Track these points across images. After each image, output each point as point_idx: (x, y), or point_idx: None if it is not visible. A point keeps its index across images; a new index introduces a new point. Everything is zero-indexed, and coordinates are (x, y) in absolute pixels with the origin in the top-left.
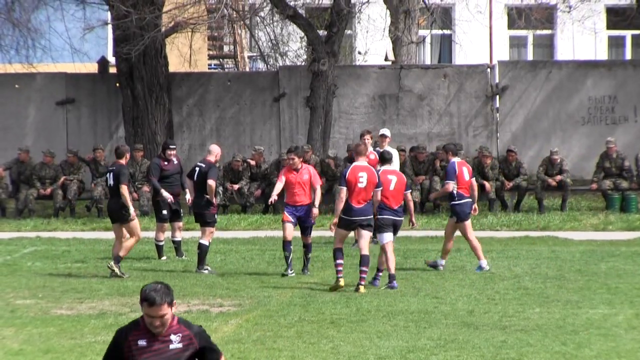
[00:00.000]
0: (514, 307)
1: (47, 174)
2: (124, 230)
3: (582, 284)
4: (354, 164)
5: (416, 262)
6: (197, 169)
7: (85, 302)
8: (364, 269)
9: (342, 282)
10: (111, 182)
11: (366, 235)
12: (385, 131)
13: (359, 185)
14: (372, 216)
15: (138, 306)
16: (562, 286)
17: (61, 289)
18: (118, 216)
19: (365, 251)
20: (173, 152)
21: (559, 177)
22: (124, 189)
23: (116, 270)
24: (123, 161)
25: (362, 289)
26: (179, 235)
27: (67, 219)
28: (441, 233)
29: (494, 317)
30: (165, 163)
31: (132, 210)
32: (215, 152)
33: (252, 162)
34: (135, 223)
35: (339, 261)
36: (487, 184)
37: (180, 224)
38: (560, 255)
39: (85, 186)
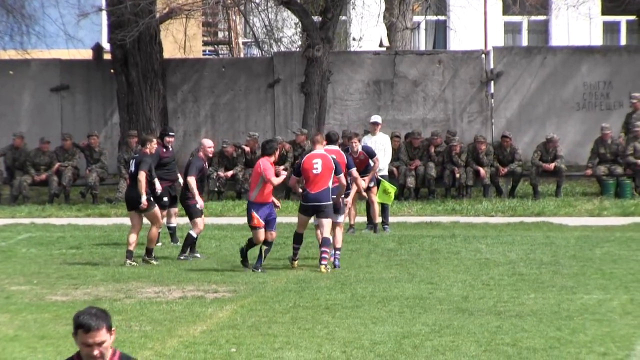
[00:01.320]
0: (509, 292)
1: (42, 160)
2: (144, 219)
3: (577, 270)
4: (311, 152)
5: (411, 248)
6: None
7: (80, 288)
8: (323, 249)
9: (295, 264)
10: (132, 168)
11: (323, 222)
12: (377, 118)
13: (314, 172)
14: (328, 202)
15: (133, 292)
16: (557, 272)
17: (56, 275)
18: (136, 204)
19: (326, 234)
20: (172, 139)
21: (553, 163)
22: (142, 176)
23: (153, 262)
24: (147, 150)
25: (322, 268)
26: (174, 222)
27: (61, 205)
28: (436, 219)
29: (489, 303)
30: (164, 150)
31: (144, 198)
32: (205, 145)
33: (247, 149)
34: (156, 211)
35: (295, 245)
36: (481, 170)
37: (176, 209)
38: (555, 241)
39: (80, 172)
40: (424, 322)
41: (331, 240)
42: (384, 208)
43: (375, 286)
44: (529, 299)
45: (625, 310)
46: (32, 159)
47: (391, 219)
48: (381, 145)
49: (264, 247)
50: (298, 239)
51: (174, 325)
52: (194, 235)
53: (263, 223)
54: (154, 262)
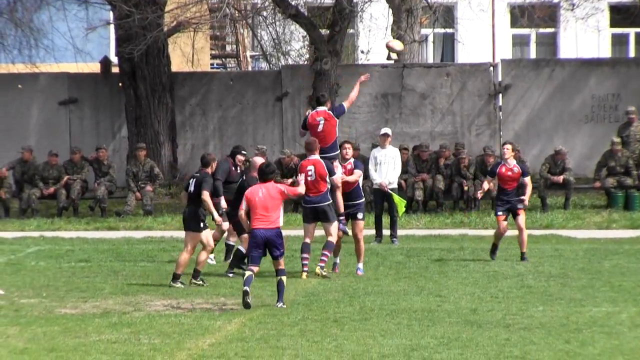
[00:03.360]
0: (518, 305)
1: (50, 174)
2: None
3: (586, 282)
4: (305, 159)
5: (419, 260)
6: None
7: (89, 301)
8: (323, 252)
9: (304, 276)
10: (192, 189)
11: (326, 225)
12: (387, 130)
13: (309, 178)
14: (324, 204)
15: (142, 305)
16: (566, 284)
17: (65, 288)
18: (192, 225)
19: (330, 239)
20: (243, 158)
21: (562, 176)
22: (206, 196)
23: (200, 283)
24: (209, 170)
25: (317, 269)
26: (233, 240)
27: (70, 218)
28: (445, 232)
29: (498, 315)
30: (233, 168)
31: (216, 215)
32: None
33: None
34: (208, 232)
35: (303, 255)
36: (490, 183)
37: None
38: (563, 253)
39: (89, 186)
40: (432, 335)
41: (333, 245)
42: (392, 221)
43: (383, 299)
44: (537, 311)
45: (634, 322)
46: (40, 172)
47: (399, 232)
48: (391, 158)
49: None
50: (304, 248)
51: (182, 338)
52: (243, 250)
53: None
54: (200, 282)
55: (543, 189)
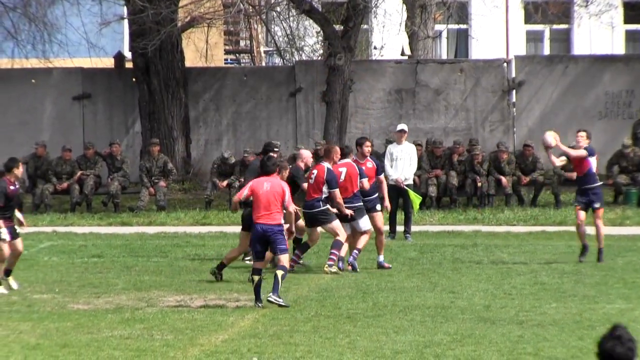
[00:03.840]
0: (531, 302)
1: (64, 169)
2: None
3: (599, 279)
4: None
5: (432, 257)
6: None
7: (102, 297)
8: (333, 250)
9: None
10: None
11: (326, 228)
12: (403, 126)
13: (310, 181)
14: (314, 210)
15: (155, 300)
16: (579, 281)
17: (78, 283)
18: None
19: (338, 238)
20: (276, 155)
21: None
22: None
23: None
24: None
25: (325, 267)
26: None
27: (83, 213)
28: (458, 228)
29: (511, 312)
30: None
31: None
32: (303, 156)
33: None
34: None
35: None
36: (503, 179)
37: None
38: (576, 250)
39: (102, 181)
40: (445, 332)
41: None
42: (407, 217)
43: (397, 295)
44: (550, 308)
45: None
46: (54, 167)
47: (413, 228)
48: (407, 155)
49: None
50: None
51: (195, 334)
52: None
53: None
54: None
55: (556, 185)
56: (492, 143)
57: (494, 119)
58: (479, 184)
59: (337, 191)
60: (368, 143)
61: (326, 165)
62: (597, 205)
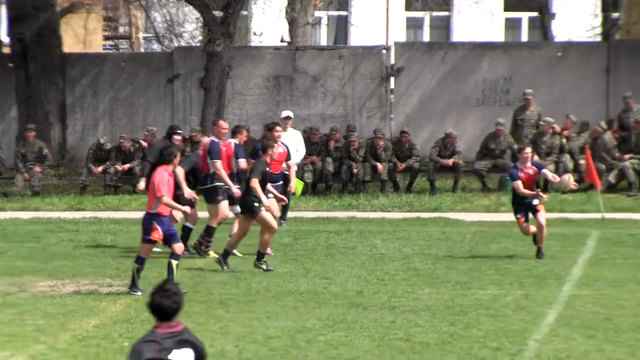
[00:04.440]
0: (403, 287)
1: None
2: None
3: (472, 265)
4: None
5: (306, 243)
6: None
7: None
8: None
9: (208, 255)
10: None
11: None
12: (289, 113)
13: None
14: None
15: (27, 286)
16: (452, 267)
17: None
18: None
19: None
20: (181, 137)
21: (451, 159)
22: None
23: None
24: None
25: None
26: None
27: None
28: (333, 214)
29: (383, 298)
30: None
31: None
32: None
33: (145, 144)
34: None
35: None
36: (379, 165)
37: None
38: (450, 236)
39: None
40: (317, 317)
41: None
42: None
43: (269, 281)
44: (423, 294)
45: (519, 305)
46: None
47: (287, 214)
48: (293, 141)
49: (175, 262)
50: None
51: (67, 319)
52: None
53: (162, 238)
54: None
55: (432, 172)
56: (369, 130)
57: (372, 106)
58: (355, 171)
59: (218, 162)
60: (278, 128)
61: (233, 141)
62: (535, 202)
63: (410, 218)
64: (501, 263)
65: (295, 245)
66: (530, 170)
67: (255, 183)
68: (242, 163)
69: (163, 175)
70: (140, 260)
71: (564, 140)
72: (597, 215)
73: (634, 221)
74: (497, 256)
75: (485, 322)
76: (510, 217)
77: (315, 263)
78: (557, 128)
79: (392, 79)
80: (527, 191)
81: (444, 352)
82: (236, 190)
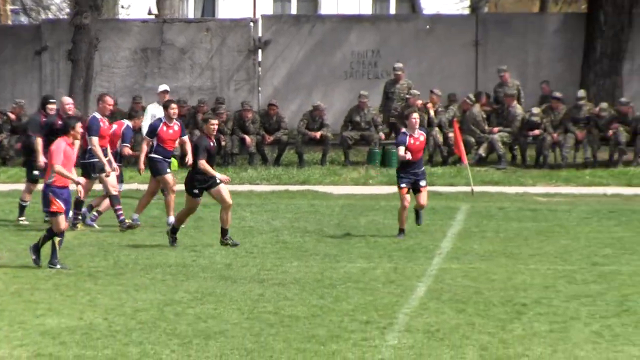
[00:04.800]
0: (272, 260)
1: None
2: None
3: (341, 238)
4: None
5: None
6: None
7: None
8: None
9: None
10: None
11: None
12: (166, 87)
13: None
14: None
15: None
16: (321, 240)
17: None
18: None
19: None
20: (54, 106)
21: (319, 132)
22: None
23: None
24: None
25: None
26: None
27: None
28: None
29: (252, 271)
30: (44, 119)
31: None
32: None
33: (12, 116)
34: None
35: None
36: (247, 138)
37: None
38: (319, 209)
39: None
40: (186, 290)
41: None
42: None
43: (138, 253)
44: (292, 267)
45: (388, 279)
46: None
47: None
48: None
49: (57, 239)
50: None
51: None
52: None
53: (64, 208)
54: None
55: (300, 144)
56: (237, 102)
57: (240, 79)
58: (223, 143)
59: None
60: (173, 105)
61: (127, 123)
62: (423, 183)
63: (279, 191)
64: (370, 236)
65: (164, 217)
66: (421, 136)
67: (204, 164)
68: (126, 150)
69: (60, 145)
70: (51, 234)
71: (432, 114)
72: (467, 189)
73: (503, 194)
74: (366, 229)
75: (354, 296)
76: (379, 190)
77: (184, 236)
78: (420, 103)
79: (259, 51)
80: (403, 153)
81: (313, 325)
82: (108, 168)
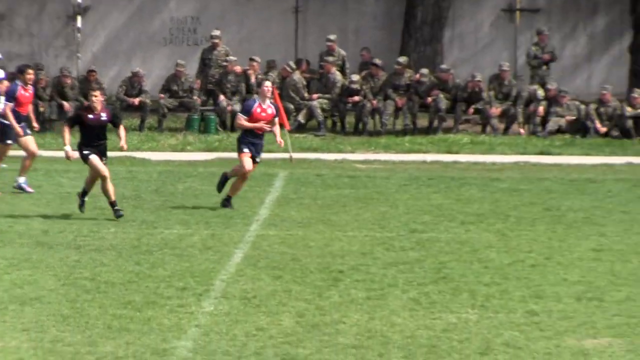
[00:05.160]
0: (89, 227)
1: None
2: None
3: (159, 205)
4: None
5: None
6: None
7: None
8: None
9: None
10: None
11: None
12: None
13: None
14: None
15: None
16: (138, 206)
17: None
18: None
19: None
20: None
21: (138, 98)
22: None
23: None
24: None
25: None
26: None
27: None
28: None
29: (69, 237)
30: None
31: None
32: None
33: None
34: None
35: None
36: (65, 104)
37: None
38: (137, 175)
39: None
40: (2, 256)
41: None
42: None
43: None
44: (109, 233)
45: (205, 245)
46: None
47: None
48: None
49: None
50: None
51: None
52: None
53: None
54: None
55: (119, 110)
56: (56, 68)
57: (59, 45)
58: (42, 109)
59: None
60: (30, 71)
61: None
62: (258, 160)
63: None
64: (188, 202)
65: None
66: (269, 109)
67: (66, 131)
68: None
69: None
70: None
71: (252, 80)
72: (285, 155)
73: (322, 161)
74: (183, 196)
75: (171, 262)
76: (197, 156)
77: (1, 202)
78: (239, 69)
79: (79, 18)
80: (248, 124)
81: (129, 291)
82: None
